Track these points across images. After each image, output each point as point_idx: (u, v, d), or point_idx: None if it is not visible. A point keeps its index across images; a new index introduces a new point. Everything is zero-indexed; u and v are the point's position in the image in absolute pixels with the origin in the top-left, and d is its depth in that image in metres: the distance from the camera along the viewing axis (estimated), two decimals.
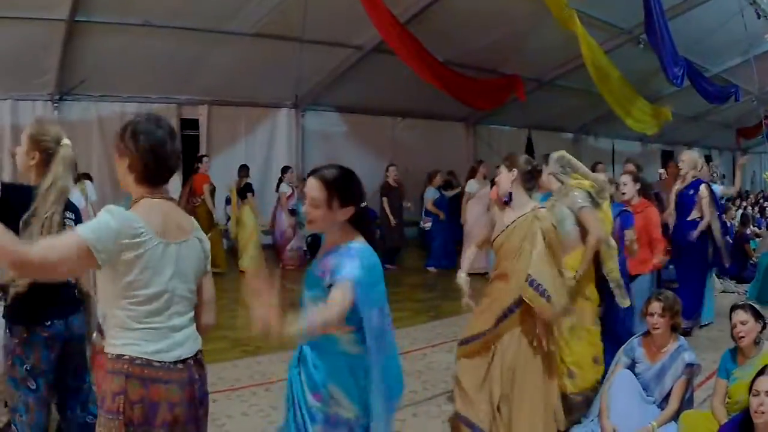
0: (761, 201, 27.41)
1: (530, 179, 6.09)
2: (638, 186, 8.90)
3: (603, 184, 7.21)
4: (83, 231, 3.17)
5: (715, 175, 13.50)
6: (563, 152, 7.31)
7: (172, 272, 3.43)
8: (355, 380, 3.91)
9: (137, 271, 3.30)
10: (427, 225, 16.58)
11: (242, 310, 11.25)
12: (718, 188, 11.73)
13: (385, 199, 16.44)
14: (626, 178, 8.95)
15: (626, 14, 16.64)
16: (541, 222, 5.82)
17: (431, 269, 16.39)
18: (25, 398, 4.42)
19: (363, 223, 4.05)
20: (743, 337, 5.62)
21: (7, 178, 15.29)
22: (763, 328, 5.70)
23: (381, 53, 16.23)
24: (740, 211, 20.08)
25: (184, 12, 13.87)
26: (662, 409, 5.83)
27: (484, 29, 16.19)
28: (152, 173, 3.49)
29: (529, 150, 24.93)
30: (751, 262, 14.59)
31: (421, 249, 18.48)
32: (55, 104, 15.53)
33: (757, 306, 5.79)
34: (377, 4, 13.01)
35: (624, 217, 7.87)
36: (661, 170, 26.79)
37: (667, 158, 32.21)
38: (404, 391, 4.62)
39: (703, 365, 6.25)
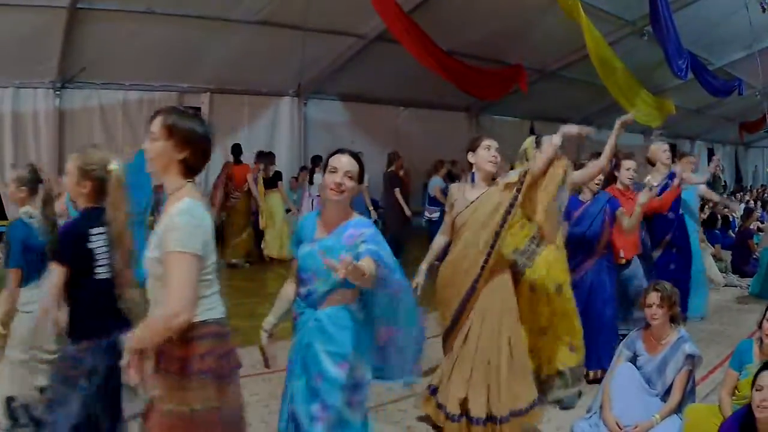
0: (764, 195, 27.37)
1: None
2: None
3: None
4: (179, 246, 3.54)
5: (718, 168, 13.39)
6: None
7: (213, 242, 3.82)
8: (364, 342, 4.40)
9: (208, 244, 3.72)
10: (435, 215, 16.35)
11: (248, 299, 11.27)
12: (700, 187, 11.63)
13: (397, 189, 16.27)
14: (632, 164, 8.85)
15: (631, 6, 16.62)
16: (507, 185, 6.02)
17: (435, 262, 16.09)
18: (72, 393, 4.57)
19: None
20: None
21: (8, 165, 15.32)
22: None
23: (384, 42, 16.20)
24: (743, 205, 20.05)
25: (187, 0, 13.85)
26: (664, 401, 5.81)
27: (488, 19, 16.15)
28: (198, 166, 3.94)
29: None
30: (754, 256, 14.54)
31: (426, 240, 18.32)
32: (57, 92, 15.49)
33: None
34: None
35: (612, 203, 7.94)
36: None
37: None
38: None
39: (706, 359, 6.21)
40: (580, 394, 6.98)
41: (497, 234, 5.93)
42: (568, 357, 6.82)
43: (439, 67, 14.84)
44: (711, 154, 34.72)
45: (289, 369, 4.55)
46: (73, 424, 4.55)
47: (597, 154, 8.51)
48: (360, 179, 4.49)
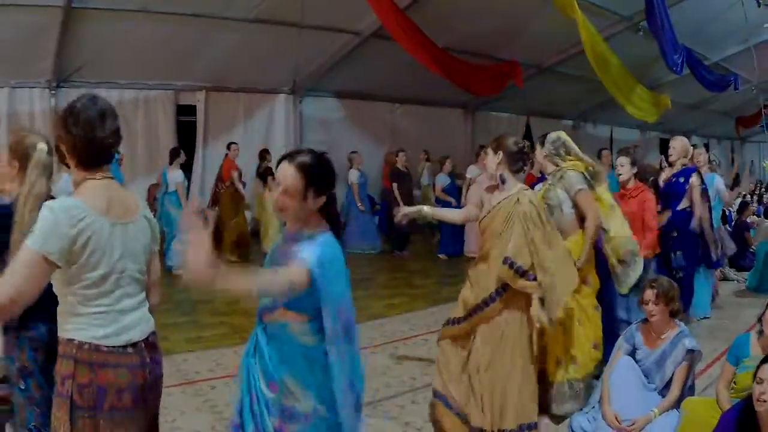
0: (759, 189, 27.41)
1: (517, 161, 5.96)
2: (635, 170, 8.54)
3: (599, 167, 7.23)
4: (32, 242, 3.16)
5: (713, 163, 13.42)
6: (560, 133, 7.27)
7: (120, 253, 3.43)
8: (311, 372, 3.78)
9: (86, 255, 3.29)
10: None
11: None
12: (717, 179, 11.60)
13: (395, 185, 16.43)
14: (624, 160, 8.58)
15: (626, 1, 16.60)
16: (521, 205, 5.69)
17: (442, 256, 16.39)
18: (17, 398, 4.36)
19: (330, 211, 3.89)
20: None
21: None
22: None
23: (380, 39, 16.19)
24: (739, 200, 20.08)
25: None
26: (663, 396, 5.80)
27: (484, 15, 16.12)
28: (88, 155, 3.49)
29: (528, 137, 24.96)
30: (751, 250, 14.57)
31: (432, 235, 18.43)
32: (53, 91, 15.46)
33: None
34: None
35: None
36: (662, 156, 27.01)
37: (666, 146, 32.31)
38: (403, 377, 4.53)
39: (704, 353, 6.22)
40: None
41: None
42: (554, 371, 6.72)
43: (435, 63, 14.83)
44: (707, 149, 34.78)
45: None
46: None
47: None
48: (316, 190, 3.72)
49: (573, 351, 6.70)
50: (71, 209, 3.25)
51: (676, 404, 5.70)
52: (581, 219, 6.88)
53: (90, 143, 3.45)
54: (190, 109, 17.86)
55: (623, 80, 16.95)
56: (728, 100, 26.99)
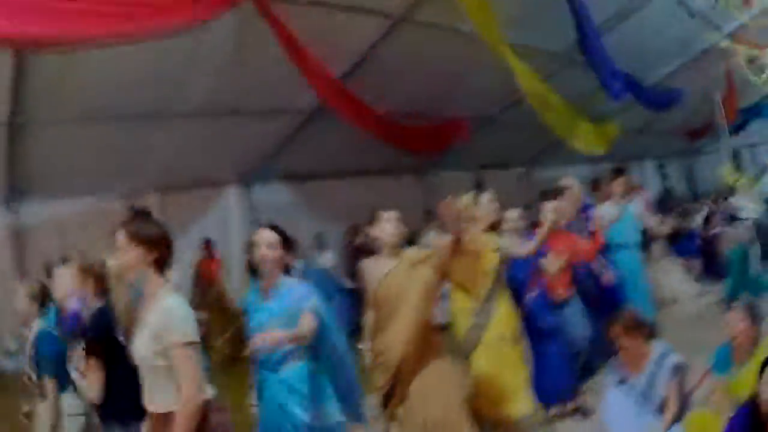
0: (720, 200, 27.67)
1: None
2: None
3: None
4: (188, 338, 4.32)
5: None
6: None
7: None
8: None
9: None
10: None
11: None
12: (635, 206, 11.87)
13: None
14: (550, 205, 9.53)
15: (557, 37, 16.69)
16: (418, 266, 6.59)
17: None
18: None
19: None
20: (739, 337, 5.62)
21: None
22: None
23: (323, 116, 16.14)
24: (703, 213, 20.14)
25: (119, 100, 13.67)
26: (662, 413, 5.79)
27: (420, 76, 16.24)
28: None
29: (479, 190, 24.93)
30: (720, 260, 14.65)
31: None
32: (8, 208, 15.57)
33: (753, 307, 5.84)
34: (311, 65, 12.90)
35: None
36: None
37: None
38: None
39: (696, 367, 6.23)
40: None
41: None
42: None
43: (378, 131, 14.82)
44: (662, 166, 35.18)
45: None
46: None
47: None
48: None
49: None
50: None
51: (677, 419, 5.69)
52: None
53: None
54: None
55: (568, 117, 17.01)
56: (675, 117, 27.16)
